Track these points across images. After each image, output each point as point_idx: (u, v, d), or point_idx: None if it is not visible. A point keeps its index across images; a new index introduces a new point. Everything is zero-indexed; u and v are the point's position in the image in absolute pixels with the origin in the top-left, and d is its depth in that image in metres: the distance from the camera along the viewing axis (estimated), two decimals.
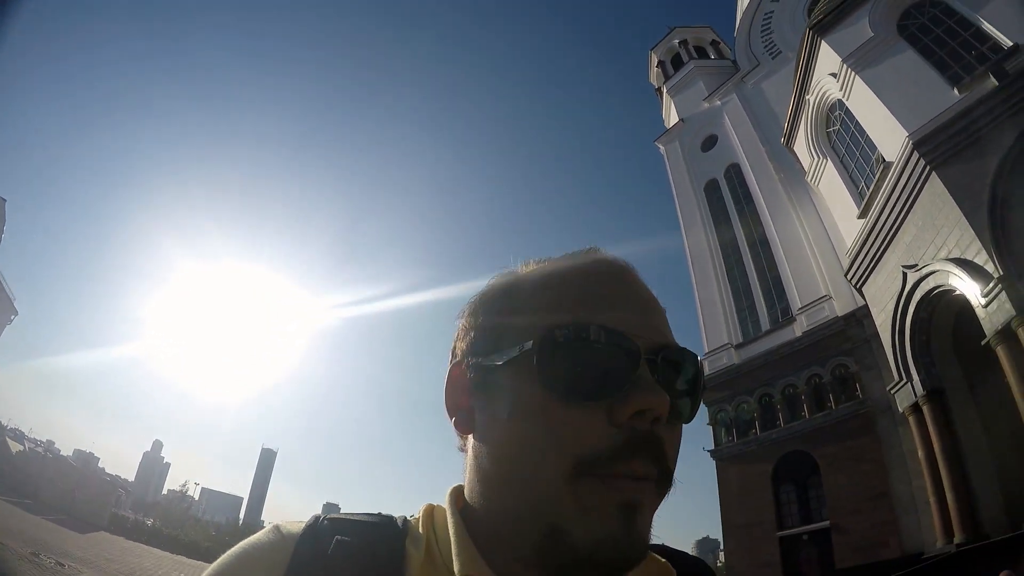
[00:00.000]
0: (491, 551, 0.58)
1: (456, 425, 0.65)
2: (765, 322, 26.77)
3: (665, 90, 36.28)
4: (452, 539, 0.59)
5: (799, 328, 24.32)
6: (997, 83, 15.02)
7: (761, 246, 27.77)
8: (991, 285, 13.46)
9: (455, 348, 0.68)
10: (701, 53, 35.76)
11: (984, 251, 13.89)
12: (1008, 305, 13.09)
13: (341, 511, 0.66)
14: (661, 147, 35.11)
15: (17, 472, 22.64)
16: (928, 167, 15.44)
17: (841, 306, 22.63)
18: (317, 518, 0.61)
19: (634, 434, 0.54)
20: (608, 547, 0.52)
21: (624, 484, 0.53)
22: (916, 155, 15.64)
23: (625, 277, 0.65)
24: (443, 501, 0.65)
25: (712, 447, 26.73)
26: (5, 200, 42.28)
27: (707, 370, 28.11)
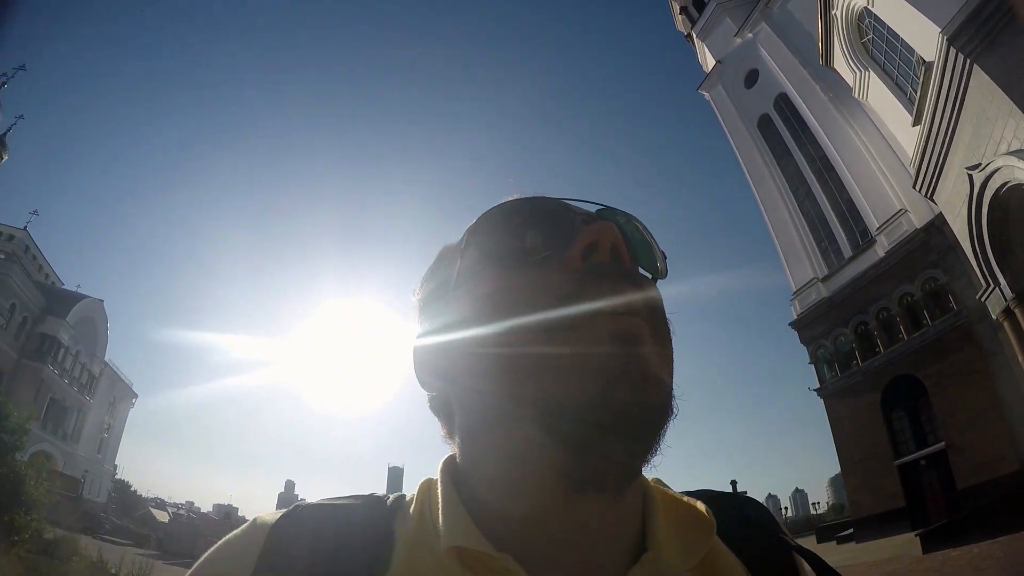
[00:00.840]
0: (489, 513, 0.50)
1: (429, 388, 0.61)
2: (846, 249, 25.69)
3: (695, 35, 35.00)
4: (441, 508, 0.51)
5: (881, 248, 23.20)
6: None
7: (827, 172, 26.57)
8: None
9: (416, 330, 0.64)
10: None
11: None
12: None
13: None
14: (706, 94, 33.99)
15: (171, 538, 25.44)
16: (968, 60, 14.48)
17: (919, 217, 21.39)
18: (297, 506, 0.56)
19: (592, 267, 0.50)
20: (617, 387, 0.45)
21: (605, 316, 0.47)
22: (953, 51, 14.70)
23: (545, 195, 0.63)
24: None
25: (817, 386, 26.10)
26: (103, 300, 47.43)
27: (798, 309, 27.58)
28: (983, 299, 16.70)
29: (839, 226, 26.24)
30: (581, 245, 0.50)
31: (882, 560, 15.14)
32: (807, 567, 0.58)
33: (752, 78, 30.86)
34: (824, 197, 27.06)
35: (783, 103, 28.85)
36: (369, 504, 0.55)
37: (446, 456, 0.58)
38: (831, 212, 26.70)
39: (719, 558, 0.54)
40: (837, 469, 27.81)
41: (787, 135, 28.87)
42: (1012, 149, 13.96)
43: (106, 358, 47.94)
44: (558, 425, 0.45)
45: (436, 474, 0.56)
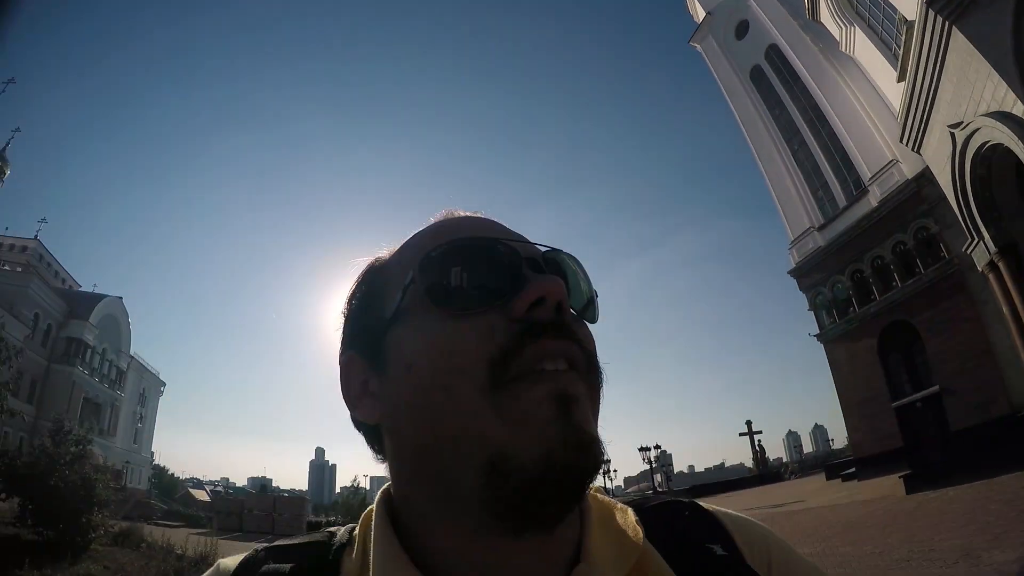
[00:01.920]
0: (424, 547, 0.52)
1: (361, 415, 0.59)
2: (840, 198, 26.14)
3: None
4: (374, 549, 0.53)
5: (874, 198, 23.65)
6: None
7: (819, 122, 26.75)
8: None
9: (341, 344, 0.63)
10: None
11: (1020, 101, 13.30)
12: None
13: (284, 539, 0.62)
14: (697, 46, 33.76)
15: (219, 515, 26.95)
16: (947, 22, 14.66)
17: (910, 168, 21.72)
18: (256, 551, 0.59)
19: (537, 320, 0.50)
20: (557, 451, 0.46)
21: (547, 376, 0.48)
22: (932, 12, 14.86)
23: (485, 218, 0.64)
24: None
25: (817, 331, 26.95)
26: (121, 297, 49.13)
27: (796, 258, 28.20)
28: (969, 252, 17.25)
29: (833, 176, 26.57)
30: (528, 300, 0.51)
31: (871, 499, 16.21)
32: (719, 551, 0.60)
33: (743, 29, 30.63)
34: (817, 147, 27.30)
35: (774, 54, 28.74)
36: (320, 543, 0.59)
37: (384, 487, 0.59)
38: (824, 162, 26.99)
39: (650, 565, 0.56)
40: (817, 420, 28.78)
41: (779, 86, 28.87)
42: (991, 110, 14.30)
43: (132, 351, 49.95)
44: (502, 481, 0.46)
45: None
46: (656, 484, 54.08)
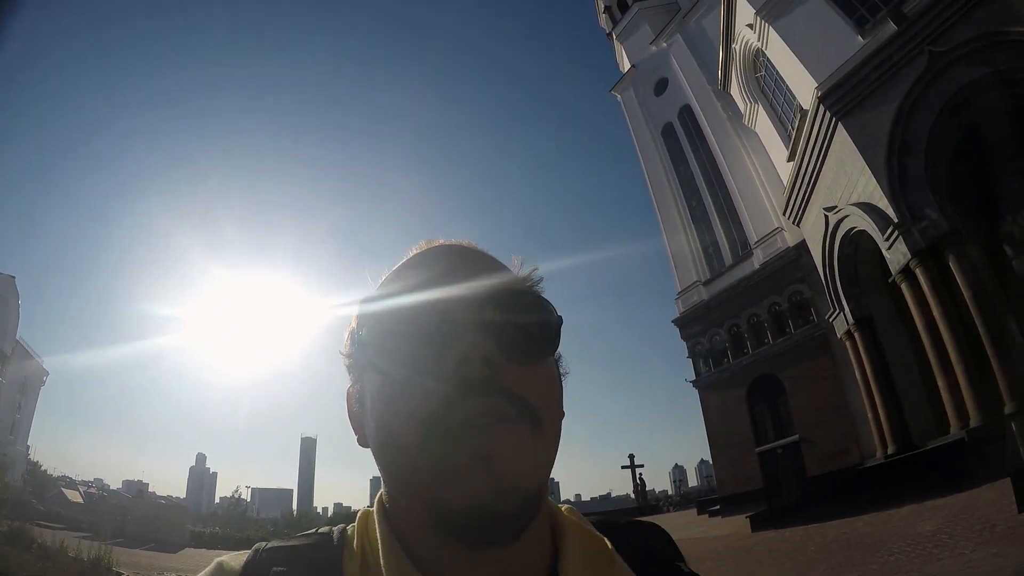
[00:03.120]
0: (415, 547, 0.57)
1: (358, 439, 0.64)
2: (727, 257, 28.23)
3: (615, 36, 36.43)
4: (379, 546, 0.58)
5: (757, 260, 25.80)
6: (896, 27, 15.76)
7: (717, 184, 28.92)
8: (890, 230, 14.82)
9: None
10: None
11: (885, 197, 15.17)
12: (904, 248, 14.52)
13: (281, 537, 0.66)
14: (618, 96, 35.61)
15: (101, 519, 24.90)
16: (835, 117, 16.48)
17: (792, 236, 23.93)
18: (257, 550, 0.61)
19: (462, 380, 0.53)
20: (476, 503, 0.50)
21: (469, 433, 0.51)
22: (823, 107, 16.66)
23: (449, 252, 0.65)
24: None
25: (693, 378, 28.86)
26: (14, 276, 45.25)
27: (681, 308, 29.97)
28: (831, 320, 19.34)
29: (723, 235, 28.76)
30: (452, 361, 0.54)
31: (721, 535, 17.66)
32: None
33: (662, 86, 32.69)
34: (712, 207, 29.51)
35: (687, 114, 30.88)
36: (322, 543, 0.62)
37: (379, 494, 0.64)
38: (717, 221, 29.19)
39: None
40: (702, 456, 30.94)
41: (687, 145, 31.03)
42: (861, 200, 16.19)
43: (17, 336, 45.65)
44: (441, 518, 0.52)
45: (369, 502, 0.65)
46: None
